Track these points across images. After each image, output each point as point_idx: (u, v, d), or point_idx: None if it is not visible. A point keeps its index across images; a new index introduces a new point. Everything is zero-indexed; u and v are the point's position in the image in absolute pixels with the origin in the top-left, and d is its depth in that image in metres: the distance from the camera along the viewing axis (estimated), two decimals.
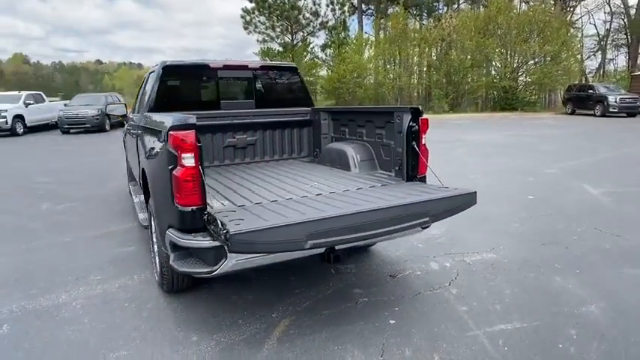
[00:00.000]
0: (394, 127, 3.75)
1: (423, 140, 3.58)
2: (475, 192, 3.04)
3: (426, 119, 3.58)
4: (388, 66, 32.46)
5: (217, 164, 4.91)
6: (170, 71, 4.60)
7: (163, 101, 4.55)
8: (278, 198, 3.17)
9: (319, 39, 56.89)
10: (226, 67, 4.91)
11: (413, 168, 3.62)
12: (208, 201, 2.83)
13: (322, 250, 2.74)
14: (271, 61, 31.40)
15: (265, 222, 2.40)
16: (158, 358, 2.64)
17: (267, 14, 34.28)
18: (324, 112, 5.18)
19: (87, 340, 2.85)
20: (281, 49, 35.02)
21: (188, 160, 2.61)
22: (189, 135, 2.60)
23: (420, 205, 2.78)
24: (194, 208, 2.66)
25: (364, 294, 3.43)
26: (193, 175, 2.63)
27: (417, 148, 3.55)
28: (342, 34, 35.22)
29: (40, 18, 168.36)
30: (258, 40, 35.48)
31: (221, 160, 4.96)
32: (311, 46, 36.16)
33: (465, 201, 2.98)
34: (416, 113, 3.53)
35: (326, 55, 36.63)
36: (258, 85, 5.25)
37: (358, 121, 4.53)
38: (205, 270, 2.63)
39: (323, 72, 36.56)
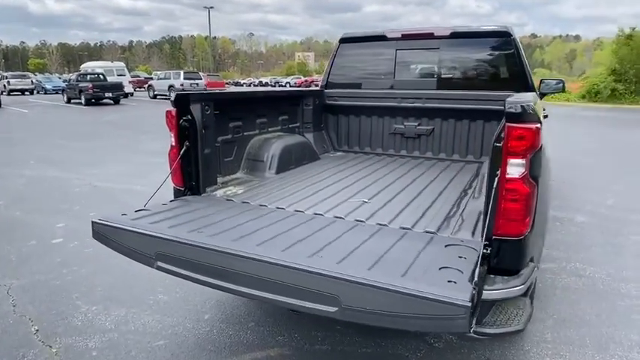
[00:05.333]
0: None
1: (514, 170, 1.84)
2: (467, 307, 1.38)
3: (531, 130, 1.79)
4: None
5: (379, 152, 4.37)
6: (347, 44, 4.37)
7: (334, 79, 4.47)
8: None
9: None
10: (405, 37, 4.07)
11: (491, 218, 1.97)
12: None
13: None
14: None
15: (131, 222, 2.13)
16: None
17: None
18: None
19: None
20: None
21: (172, 138, 2.70)
22: (173, 112, 2.66)
23: (322, 281, 1.60)
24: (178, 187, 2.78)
25: None
26: (174, 155, 2.71)
27: (494, 182, 1.89)
28: None
29: None
30: None
31: (384, 149, 4.36)
32: None
33: (425, 310, 1.42)
34: (507, 114, 1.85)
35: None
36: (446, 60, 4.05)
37: None
38: None
39: None
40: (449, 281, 1.55)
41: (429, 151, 4.16)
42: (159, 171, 7.22)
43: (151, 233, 2.00)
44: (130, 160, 8.26)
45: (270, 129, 3.80)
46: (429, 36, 4.01)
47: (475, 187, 3.04)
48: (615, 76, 23.20)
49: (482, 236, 2.06)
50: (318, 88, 4.54)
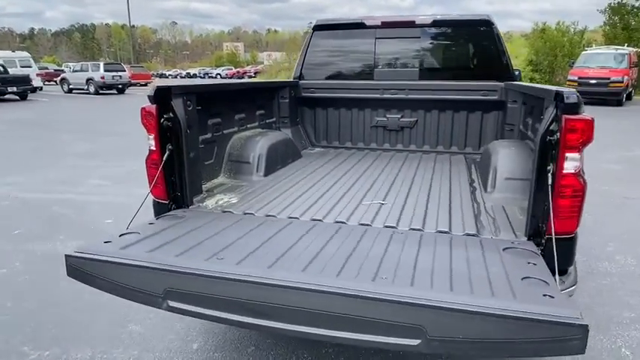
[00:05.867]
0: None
1: (571, 165, 1.71)
2: (585, 326, 1.20)
3: (588, 122, 1.66)
4: None
5: (361, 147, 4.16)
6: (322, 32, 4.08)
7: (309, 69, 4.17)
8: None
9: None
10: (386, 25, 3.88)
11: (544, 216, 1.83)
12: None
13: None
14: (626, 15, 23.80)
15: (123, 252, 1.71)
16: None
17: None
18: (517, 91, 3.39)
19: None
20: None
21: (151, 141, 2.25)
22: (152, 109, 2.20)
23: (402, 310, 1.34)
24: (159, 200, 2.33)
25: None
26: (155, 161, 2.25)
27: (549, 178, 1.74)
28: None
29: None
30: None
31: (366, 143, 4.15)
32: None
33: (533, 334, 1.23)
34: (561, 105, 1.70)
35: None
36: (427, 49, 3.92)
37: (537, 109, 2.72)
38: None
39: None
40: (544, 295, 1.35)
41: (412, 143, 4.02)
42: (96, 176, 6.50)
43: (157, 266, 1.58)
44: (57, 165, 7.23)
45: (248, 125, 3.42)
46: (410, 24, 3.85)
47: (477, 179, 2.94)
48: (532, 66, 25.18)
49: (526, 235, 1.92)
50: (292, 80, 4.19)
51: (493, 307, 1.26)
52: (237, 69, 59.67)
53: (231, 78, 51.02)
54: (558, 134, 1.69)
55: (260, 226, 2.07)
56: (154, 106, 2.22)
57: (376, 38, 3.96)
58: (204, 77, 54.85)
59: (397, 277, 1.50)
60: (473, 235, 1.98)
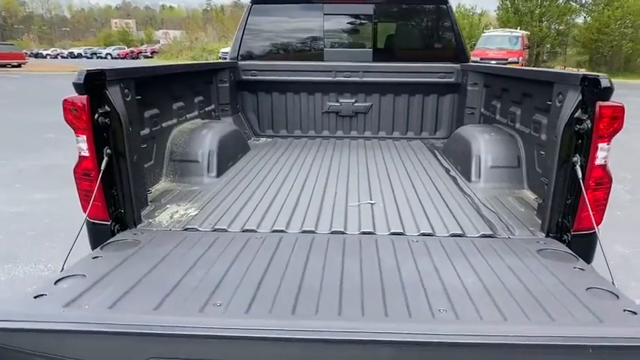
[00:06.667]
0: (552, 115, 1.88)
1: (602, 156, 1.61)
2: None
3: (620, 109, 1.57)
4: None
5: (312, 135, 3.84)
6: (261, 6, 3.63)
7: (250, 48, 3.71)
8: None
9: None
10: (334, 0, 3.60)
11: (567, 211, 1.73)
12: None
13: None
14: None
15: (70, 313, 1.20)
16: None
17: None
18: (477, 72, 3.34)
19: None
20: None
21: (81, 144, 1.71)
22: (82, 101, 1.66)
23: (479, 351, 1.09)
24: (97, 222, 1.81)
25: None
26: (88, 171, 1.73)
27: (580, 172, 1.63)
28: None
29: None
30: None
31: (317, 130, 3.85)
32: None
33: None
34: (592, 91, 1.58)
35: None
36: (381, 28, 3.73)
37: (513, 93, 2.65)
38: None
39: (580, 19, 28.76)
40: (625, 311, 1.22)
41: (367, 130, 3.81)
42: None
43: (133, 330, 1.12)
44: None
45: (187, 116, 2.89)
46: (361, 0, 3.56)
47: (453, 168, 2.83)
48: None
49: (543, 231, 1.81)
50: (231, 61, 3.67)
51: (590, 335, 1.10)
52: (131, 48, 54.30)
53: (124, 58, 46.33)
54: (589, 123, 1.57)
55: (245, 248, 1.68)
56: (85, 96, 1.67)
57: (324, 14, 3.63)
58: (91, 58, 48.96)
59: (458, 308, 1.26)
60: (490, 237, 1.82)
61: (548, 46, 30.04)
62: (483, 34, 21.28)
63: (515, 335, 1.11)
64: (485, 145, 2.53)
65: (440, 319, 1.22)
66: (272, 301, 1.29)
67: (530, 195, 2.30)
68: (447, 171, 2.80)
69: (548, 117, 1.94)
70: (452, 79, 3.57)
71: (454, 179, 2.62)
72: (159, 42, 58.44)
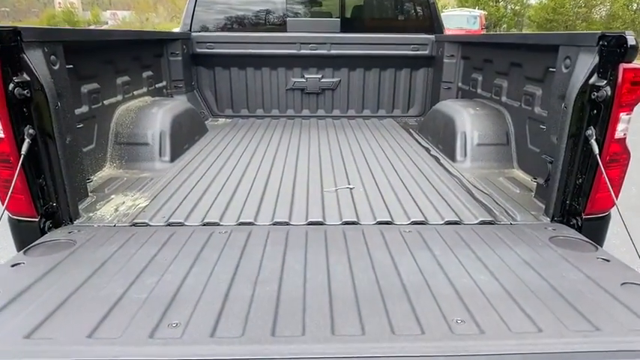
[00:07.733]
0: (557, 84, 1.63)
1: (622, 128, 1.38)
2: None
3: None
4: None
5: (276, 114, 3.49)
6: None
7: (203, 20, 3.30)
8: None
9: None
10: None
11: (578, 191, 1.51)
12: None
13: None
14: None
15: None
16: None
17: None
18: (453, 43, 3.09)
19: None
20: None
21: None
22: None
23: None
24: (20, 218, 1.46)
25: None
26: (5, 156, 1.36)
27: (597, 147, 1.40)
28: None
29: None
30: None
31: (281, 110, 3.50)
32: None
33: None
34: (614, 51, 1.34)
35: None
36: None
37: (498, 63, 2.41)
38: None
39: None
40: None
41: (336, 108, 3.50)
42: None
43: None
44: None
45: (135, 92, 2.50)
46: None
47: (433, 147, 2.59)
48: None
49: (548, 215, 1.59)
50: (183, 31, 3.23)
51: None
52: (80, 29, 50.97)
53: None
54: (608, 89, 1.32)
55: (207, 245, 1.39)
56: None
57: None
58: None
59: (478, 317, 1.03)
60: (490, 223, 1.59)
61: (505, 26, 30.64)
62: (442, 14, 21.38)
63: (558, 352, 0.88)
64: (470, 120, 2.29)
65: (460, 334, 0.97)
66: (244, 317, 1.01)
67: (521, 175, 2.09)
68: (428, 150, 2.57)
69: (550, 86, 1.70)
70: (426, 52, 3.30)
71: (436, 159, 2.38)
72: (107, 23, 55.27)
